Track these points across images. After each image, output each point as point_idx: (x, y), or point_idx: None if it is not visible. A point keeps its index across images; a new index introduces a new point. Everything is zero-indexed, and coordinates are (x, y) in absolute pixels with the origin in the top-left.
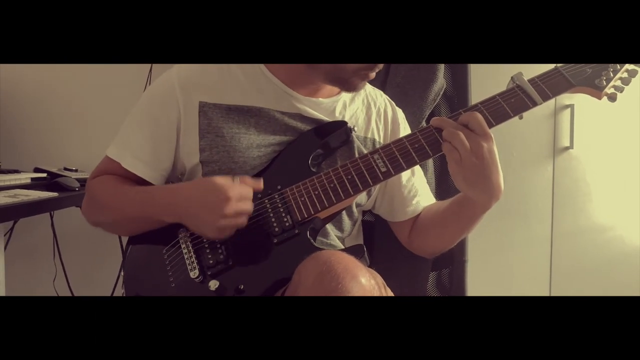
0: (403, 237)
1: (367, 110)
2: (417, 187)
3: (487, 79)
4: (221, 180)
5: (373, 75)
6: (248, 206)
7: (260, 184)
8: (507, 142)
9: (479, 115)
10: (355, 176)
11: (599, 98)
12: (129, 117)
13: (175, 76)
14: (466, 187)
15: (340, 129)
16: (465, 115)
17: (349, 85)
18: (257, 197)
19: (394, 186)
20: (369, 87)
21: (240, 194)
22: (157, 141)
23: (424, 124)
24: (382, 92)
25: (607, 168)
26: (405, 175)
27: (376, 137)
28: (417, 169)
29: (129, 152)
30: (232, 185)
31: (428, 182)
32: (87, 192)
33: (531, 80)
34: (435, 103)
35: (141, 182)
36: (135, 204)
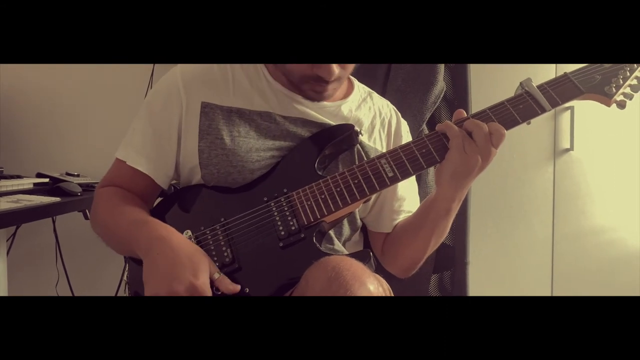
0: (377, 249)
1: (372, 119)
2: (408, 202)
3: (487, 82)
4: (201, 274)
5: (324, 88)
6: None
7: (236, 288)
8: (507, 144)
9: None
10: (362, 180)
11: (608, 105)
12: (136, 115)
13: (180, 75)
14: (449, 179)
15: (347, 132)
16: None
17: (301, 92)
18: (263, 200)
19: (387, 196)
20: (376, 97)
21: (196, 292)
22: (160, 139)
23: (424, 127)
24: (389, 102)
25: (608, 169)
26: (401, 187)
27: (378, 146)
28: (414, 182)
29: (133, 150)
30: (203, 283)
31: (427, 186)
32: (93, 201)
33: (540, 87)
34: (436, 106)
35: (147, 191)
36: (127, 228)
